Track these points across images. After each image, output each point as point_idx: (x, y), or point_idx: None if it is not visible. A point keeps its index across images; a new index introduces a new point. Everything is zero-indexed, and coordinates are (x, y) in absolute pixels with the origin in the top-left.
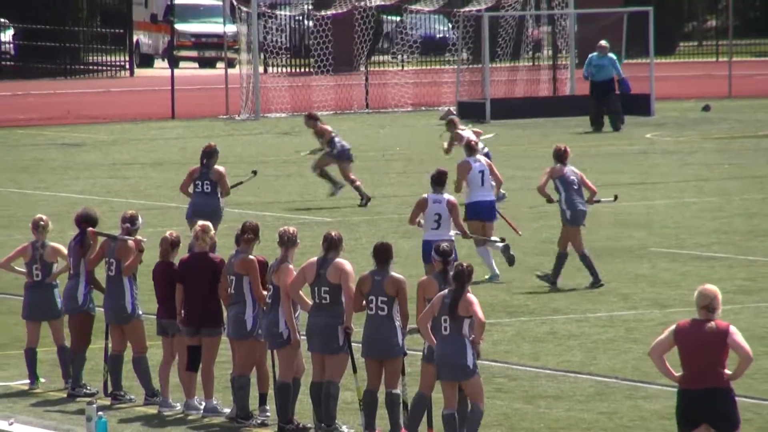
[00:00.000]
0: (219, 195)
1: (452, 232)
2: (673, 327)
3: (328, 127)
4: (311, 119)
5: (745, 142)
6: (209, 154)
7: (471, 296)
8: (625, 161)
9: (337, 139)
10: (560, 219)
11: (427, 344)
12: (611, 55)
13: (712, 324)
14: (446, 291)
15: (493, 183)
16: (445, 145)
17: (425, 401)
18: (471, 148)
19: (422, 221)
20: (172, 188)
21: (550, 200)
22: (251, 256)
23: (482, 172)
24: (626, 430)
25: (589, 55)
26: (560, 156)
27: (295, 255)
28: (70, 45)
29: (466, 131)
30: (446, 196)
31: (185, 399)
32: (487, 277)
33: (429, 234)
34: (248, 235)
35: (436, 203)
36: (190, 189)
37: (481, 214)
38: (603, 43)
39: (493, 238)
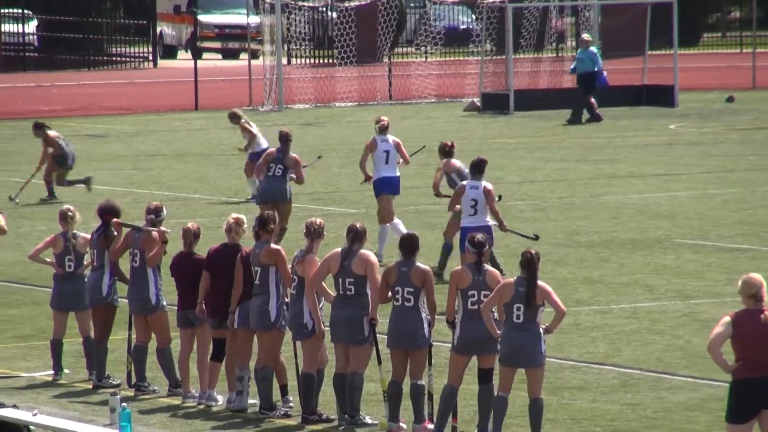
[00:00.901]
0: (287, 179)
1: (489, 219)
2: (728, 318)
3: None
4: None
5: None
6: (286, 140)
7: (546, 285)
8: (649, 152)
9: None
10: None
11: (458, 335)
12: (592, 48)
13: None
14: (515, 279)
15: (400, 161)
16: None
17: (455, 393)
18: (382, 128)
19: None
20: (195, 179)
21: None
22: (276, 246)
23: (387, 151)
24: (650, 421)
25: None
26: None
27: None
28: (93, 36)
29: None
30: (483, 183)
31: (206, 390)
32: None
33: (466, 221)
34: (272, 225)
35: (473, 189)
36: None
37: (384, 188)
38: (586, 36)
39: (526, 234)
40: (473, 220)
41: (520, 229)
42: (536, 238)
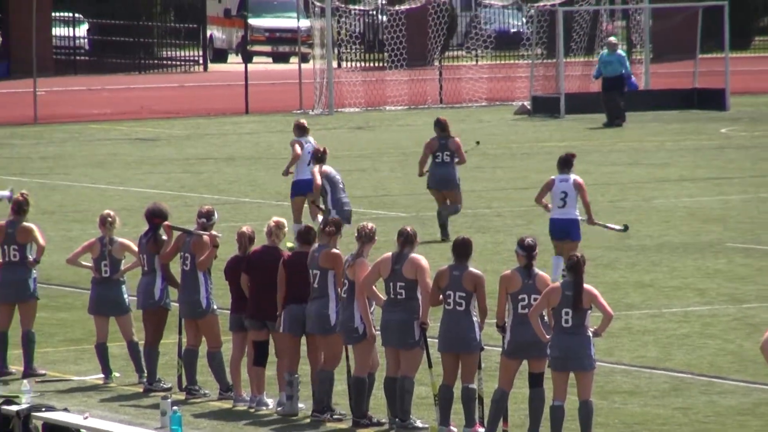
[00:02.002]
0: (455, 164)
1: (578, 214)
2: None
3: None
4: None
5: None
6: (446, 126)
7: (592, 288)
8: (700, 156)
9: None
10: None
11: (508, 339)
12: (620, 52)
13: None
14: (562, 283)
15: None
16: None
17: (506, 397)
18: (301, 128)
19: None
20: (245, 183)
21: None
22: (335, 250)
23: (310, 152)
24: (702, 426)
25: (601, 53)
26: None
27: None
28: (144, 40)
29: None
30: (572, 176)
31: (256, 395)
32: None
33: (556, 212)
34: (329, 228)
35: (563, 182)
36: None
37: (302, 189)
38: (612, 39)
39: (615, 226)
40: (562, 212)
41: (607, 222)
42: (626, 228)
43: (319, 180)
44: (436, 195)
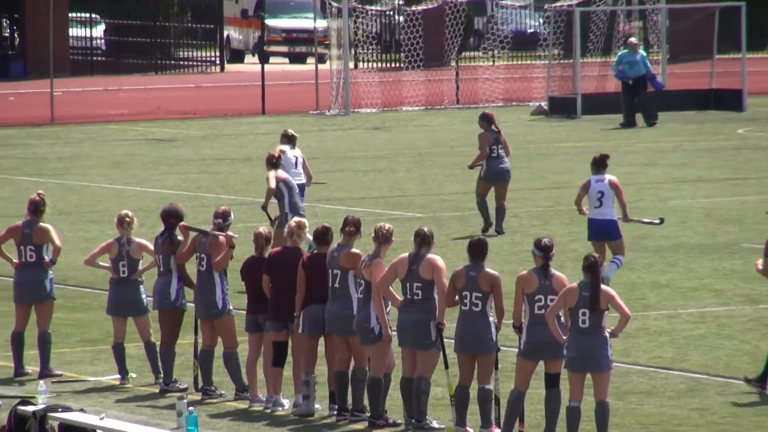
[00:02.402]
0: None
1: (614, 213)
2: None
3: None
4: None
5: None
6: (493, 120)
7: (609, 288)
8: (717, 157)
9: None
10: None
11: (525, 340)
12: (642, 51)
13: None
14: (579, 283)
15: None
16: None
17: (522, 398)
18: (289, 138)
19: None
20: (262, 183)
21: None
22: (355, 250)
23: (296, 157)
24: (718, 427)
25: (619, 53)
26: None
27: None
28: (160, 40)
29: None
30: (608, 176)
31: (272, 395)
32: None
33: (593, 213)
34: (349, 228)
35: (599, 182)
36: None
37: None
38: (633, 39)
39: (653, 220)
40: (599, 212)
41: (642, 217)
42: (662, 221)
43: (273, 184)
44: (486, 188)
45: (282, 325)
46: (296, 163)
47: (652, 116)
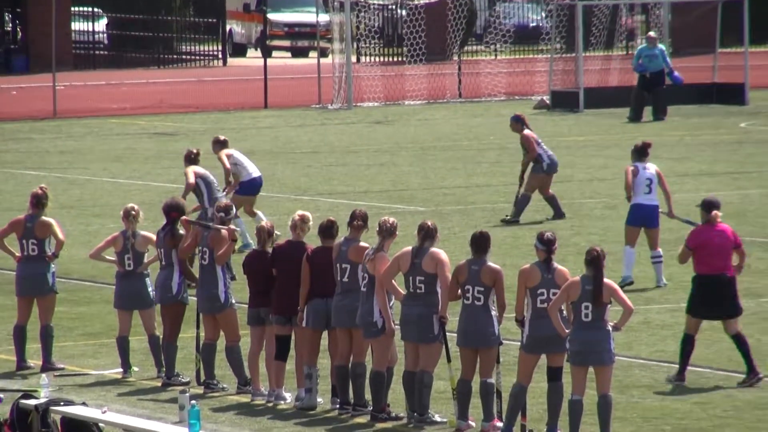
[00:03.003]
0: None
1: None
2: None
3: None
4: None
5: None
6: (524, 120)
7: (612, 282)
8: (719, 151)
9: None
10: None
11: (527, 333)
12: (661, 46)
13: None
14: (581, 277)
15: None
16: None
17: (524, 391)
18: (221, 143)
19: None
20: (264, 177)
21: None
22: (364, 244)
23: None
24: (720, 420)
25: (639, 47)
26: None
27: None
28: (163, 34)
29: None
30: (652, 165)
31: (274, 389)
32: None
33: (641, 198)
34: (357, 221)
35: (646, 170)
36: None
37: (253, 190)
38: (652, 34)
39: (691, 221)
40: (648, 198)
41: (682, 215)
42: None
43: (192, 179)
44: (549, 180)
45: (285, 319)
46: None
47: (662, 112)
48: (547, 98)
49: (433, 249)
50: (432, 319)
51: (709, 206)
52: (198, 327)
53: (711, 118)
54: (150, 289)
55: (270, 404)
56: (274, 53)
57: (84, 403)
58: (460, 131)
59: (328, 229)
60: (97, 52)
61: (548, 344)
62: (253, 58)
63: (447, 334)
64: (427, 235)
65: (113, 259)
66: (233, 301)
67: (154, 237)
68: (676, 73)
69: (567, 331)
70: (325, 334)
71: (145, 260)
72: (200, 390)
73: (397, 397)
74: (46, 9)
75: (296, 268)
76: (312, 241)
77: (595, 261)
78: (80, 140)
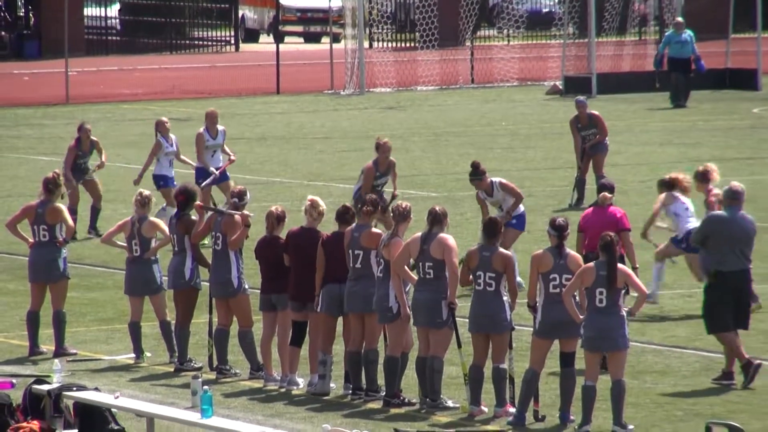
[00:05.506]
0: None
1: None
2: None
3: None
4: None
5: None
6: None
7: (625, 267)
8: (732, 136)
9: None
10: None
11: (540, 319)
12: (689, 31)
13: None
14: (596, 263)
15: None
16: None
17: (537, 377)
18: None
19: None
20: (277, 163)
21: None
22: (376, 230)
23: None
24: (732, 405)
25: (666, 33)
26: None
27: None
28: (175, 20)
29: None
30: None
31: (287, 374)
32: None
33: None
34: (367, 207)
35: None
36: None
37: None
38: (680, 19)
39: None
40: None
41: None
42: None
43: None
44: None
45: (301, 305)
46: (174, 143)
47: (683, 98)
48: (560, 84)
49: (441, 234)
50: (441, 304)
51: (601, 189)
52: (210, 312)
53: (724, 103)
54: (158, 275)
55: (282, 389)
56: (287, 39)
57: (96, 389)
58: (472, 117)
59: (342, 215)
60: (109, 38)
61: (561, 329)
62: (266, 43)
63: (458, 319)
64: (435, 220)
65: (123, 244)
66: (246, 287)
67: (160, 222)
68: (702, 62)
69: (581, 316)
70: (340, 320)
71: (152, 246)
72: (213, 375)
73: (409, 382)
74: None
75: (309, 255)
76: (326, 227)
77: (608, 246)
78: (93, 126)
